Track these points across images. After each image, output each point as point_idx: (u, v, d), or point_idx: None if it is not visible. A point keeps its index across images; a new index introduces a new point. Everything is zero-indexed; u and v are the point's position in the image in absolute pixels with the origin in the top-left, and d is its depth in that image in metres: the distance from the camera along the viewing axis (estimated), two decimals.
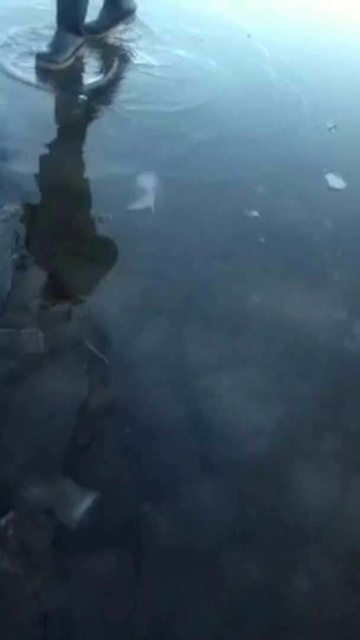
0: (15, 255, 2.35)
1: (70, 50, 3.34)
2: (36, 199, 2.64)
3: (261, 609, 1.61)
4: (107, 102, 3.26)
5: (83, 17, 3.33)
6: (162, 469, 1.86)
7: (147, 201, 2.71)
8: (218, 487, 1.85)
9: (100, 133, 3.06)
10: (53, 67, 3.31)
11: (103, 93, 3.31)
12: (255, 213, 2.75)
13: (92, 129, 3.10)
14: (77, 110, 3.17)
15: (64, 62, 3.33)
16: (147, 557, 1.65)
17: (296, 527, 1.79)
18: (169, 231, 2.63)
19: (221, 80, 3.58)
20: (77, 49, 3.38)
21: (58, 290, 2.33)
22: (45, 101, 3.22)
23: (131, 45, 3.67)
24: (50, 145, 2.96)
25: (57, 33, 3.33)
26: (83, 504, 1.70)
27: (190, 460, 1.90)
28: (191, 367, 2.17)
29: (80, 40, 3.37)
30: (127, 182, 2.79)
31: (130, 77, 3.48)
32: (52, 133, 3.05)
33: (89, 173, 2.83)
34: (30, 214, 2.56)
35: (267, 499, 1.84)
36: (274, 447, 1.99)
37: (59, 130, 3.10)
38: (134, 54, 3.63)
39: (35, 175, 2.75)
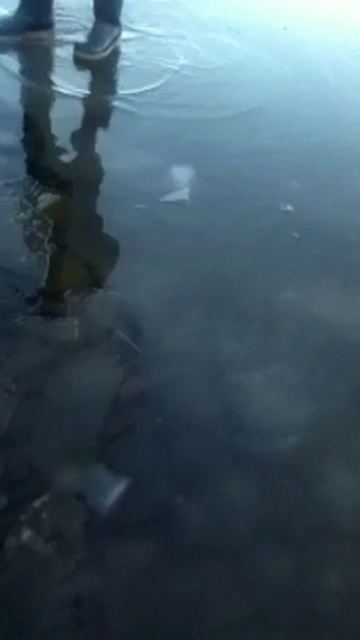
0: (52, 245, 2.37)
1: (108, 40, 3.34)
2: (73, 190, 2.65)
3: (291, 606, 1.59)
4: (148, 96, 3.27)
5: (120, 7, 3.33)
6: (193, 461, 1.86)
7: (182, 194, 2.71)
8: (249, 482, 1.84)
9: (136, 125, 3.07)
10: (91, 57, 3.32)
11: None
12: (289, 207, 2.73)
13: (129, 121, 3.11)
14: (114, 102, 3.19)
15: (102, 52, 3.33)
16: (177, 548, 1.65)
17: (327, 525, 1.77)
18: (203, 224, 2.63)
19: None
20: (115, 39, 3.38)
21: (93, 280, 2.34)
22: (87, 100, 3.23)
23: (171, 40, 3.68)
24: (88, 139, 2.97)
25: (95, 24, 3.34)
26: (114, 491, 1.71)
27: (221, 454, 1.89)
28: (223, 361, 2.16)
29: (117, 30, 3.38)
30: (162, 174, 2.79)
31: (175, 74, 3.48)
32: (91, 127, 3.06)
33: (126, 165, 2.84)
34: (67, 204, 2.57)
35: (298, 495, 1.83)
36: (306, 444, 1.97)
37: (98, 125, 3.11)
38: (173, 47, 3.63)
39: (73, 166, 2.77)
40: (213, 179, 2.81)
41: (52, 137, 2.93)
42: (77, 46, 3.33)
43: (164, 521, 1.69)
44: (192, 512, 1.73)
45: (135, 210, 2.58)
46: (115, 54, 3.46)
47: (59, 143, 2.90)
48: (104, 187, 2.70)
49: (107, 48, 3.36)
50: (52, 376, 1.98)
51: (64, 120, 3.03)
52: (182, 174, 2.78)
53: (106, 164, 2.83)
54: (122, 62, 3.45)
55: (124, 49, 3.50)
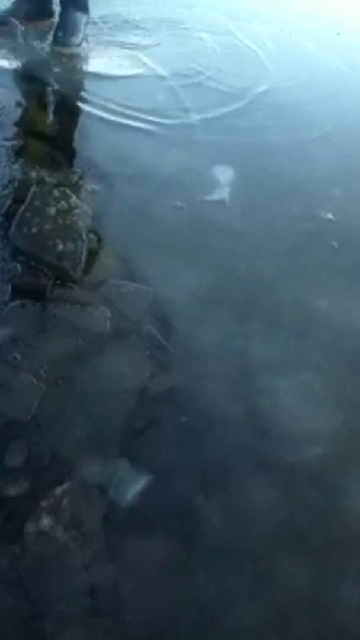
0: (90, 236, 2.37)
1: (82, 30, 3.24)
2: (114, 182, 2.65)
3: (307, 614, 1.57)
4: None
5: None
6: (217, 462, 1.84)
7: (222, 193, 2.69)
8: (271, 488, 1.82)
9: (180, 122, 3.06)
10: (69, 50, 3.22)
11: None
12: (330, 215, 2.70)
13: (172, 116, 3.10)
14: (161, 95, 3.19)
15: (80, 44, 3.24)
16: (195, 547, 1.63)
17: (348, 536, 1.75)
18: (240, 225, 2.61)
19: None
20: (86, 27, 3.28)
21: (127, 273, 2.34)
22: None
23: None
24: (130, 135, 2.97)
25: (65, 13, 3.22)
26: (136, 485, 1.70)
27: (245, 457, 1.87)
28: (252, 365, 2.14)
29: (87, 17, 3.27)
30: (203, 173, 2.78)
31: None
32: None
33: (167, 162, 2.84)
34: (107, 197, 2.58)
35: (321, 505, 1.80)
36: (330, 454, 1.94)
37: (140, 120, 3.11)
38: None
39: (116, 159, 2.77)
40: (255, 181, 2.80)
41: (95, 130, 2.93)
42: (55, 39, 3.22)
43: (183, 519, 1.68)
44: (213, 512, 1.71)
45: (175, 208, 2.58)
46: None
47: (101, 135, 2.90)
48: (145, 182, 2.70)
49: (83, 39, 3.25)
50: (81, 365, 1.98)
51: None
52: (223, 174, 2.77)
53: (149, 160, 2.82)
54: None
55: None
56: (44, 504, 1.59)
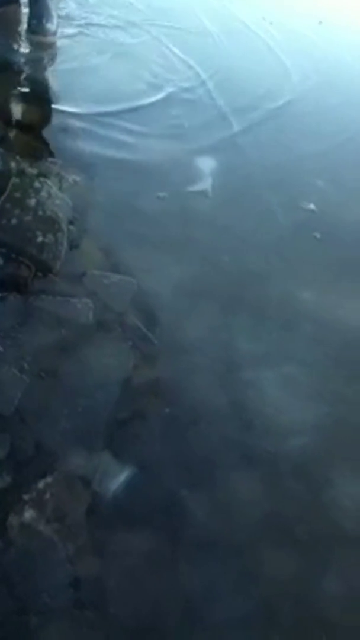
0: (72, 227, 2.34)
1: (55, 15, 3.15)
2: (95, 173, 2.62)
3: (292, 606, 1.57)
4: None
5: None
6: (201, 455, 1.83)
7: (204, 184, 2.68)
8: (256, 480, 1.81)
9: (163, 112, 3.04)
10: (45, 39, 3.14)
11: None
12: (312, 206, 2.70)
13: (156, 107, 3.08)
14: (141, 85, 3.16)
15: (55, 31, 3.16)
16: (180, 540, 1.62)
17: (333, 528, 1.75)
18: (223, 217, 2.60)
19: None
20: (56, 10, 3.19)
21: (110, 265, 2.31)
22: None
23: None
24: (113, 123, 2.94)
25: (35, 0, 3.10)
26: (120, 478, 1.68)
27: (230, 450, 1.87)
28: (237, 358, 2.13)
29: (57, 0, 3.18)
30: (186, 163, 2.77)
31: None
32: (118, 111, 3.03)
33: (149, 152, 2.81)
34: (88, 188, 2.55)
35: (305, 497, 1.80)
36: (315, 447, 1.94)
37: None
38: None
39: (97, 150, 2.74)
40: (237, 171, 2.79)
41: (75, 120, 2.89)
42: (30, 28, 3.13)
43: (168, 512, 1.67)
44: (198, 505, 1.70)
45: (157, 199, 2.55)
46: None
47: (82, 126, 2.86)
48: (127, 172, 2.67)
49: (57, 25, 3.17)
50: (65, 357, 1.96)
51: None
52: (205, 165, 2.75)
53: (132, 150, 2.79)
54: None
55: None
56: (27, 497, 1.57)
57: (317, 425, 2.00)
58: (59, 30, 3.24)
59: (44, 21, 3.12)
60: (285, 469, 1.87)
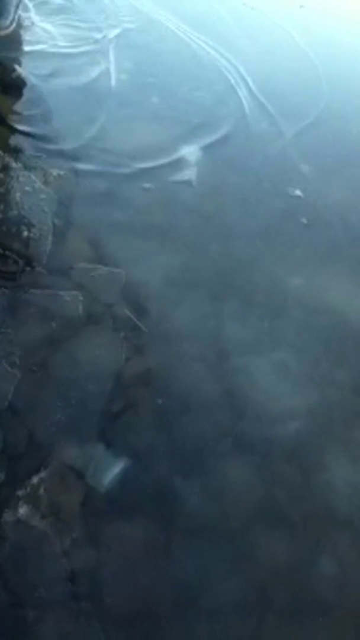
0: (56, 220, 2.33)
1: (12, 10, 3.11)
2: (80, 166, 2.61)
3: (286, 588, 1.59)
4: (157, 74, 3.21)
5: None
6: (194, 443, 1.84)
7: (189, 174, 2.67)
8: (248, 466, 1.83)
9: (145, 101, 3.02)
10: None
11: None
12: (298, 192, 2.70)
13: (138, 97, 3.05)
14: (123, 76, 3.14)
15: (10, 25, 3.11)
16: (175, 528, 1.64)
17: (325, 512, 1.77)
18: (209, 205, 2.59)
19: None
20: (18, 6, 3.15)
21: (97, 257, 2.31)
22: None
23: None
24: (95, 114, 2.91)
25: None
26: (113, 470, 1.69)
27: (222, 437, 1.88)
28: (227, 345, 2.14)
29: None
30: (170, 153, 2.75)
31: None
32: (97, 102, 3.00)
33: (132, 141, 2.79)
34: (73, 180, 2.53)
35: (297, 481, 1.82)
36: (307, 431, 1.96)
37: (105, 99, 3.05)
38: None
39: (80, 142, 2.72)
40: (222, 159, 2.78)
41: (58, 111, 2.86)
42: None
43: (162, 501, 1.68)
44: (191, 493, 1.72)
45: (143, 189, 2.55)
46: None
47: (65, 117, 2.83)
48: (112, 163, 2.65)
49: (14, 20, 3.12)
50: (55, 350, 1.96)
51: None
52: (190, 154, 2.74)
53: (115, 139, 2.77)
54: None
55: None
56: (21, 493, 1.57)
57: (309, 410, 2.02)
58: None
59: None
60: (277, 454, 1.89)
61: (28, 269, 2.17)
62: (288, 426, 1.97)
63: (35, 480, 1.61)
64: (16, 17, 3.14)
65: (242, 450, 1.87)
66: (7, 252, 2.20)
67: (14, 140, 2.63)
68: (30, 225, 2.28)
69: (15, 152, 2.56)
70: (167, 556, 1.58)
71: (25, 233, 2.26)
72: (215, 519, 1.69)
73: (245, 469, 1.83)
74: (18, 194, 2.36)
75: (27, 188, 2.41)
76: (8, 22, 3.11)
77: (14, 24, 3.14)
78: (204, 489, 1.74)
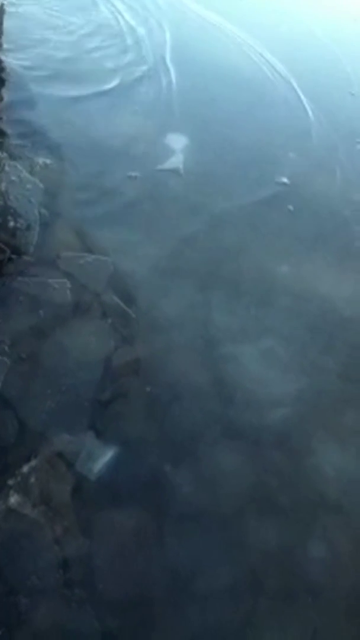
0: (43, 210, 2.32)
1: None
2: (66, 154, 2.59)
3: (277, 573, 1.60)
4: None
5: None
6: (184, 431, 1.85)
7: (176, 162, 2.66)
8: (238, 453, 1.83)
9: (132, 90, 3.00)
10: None
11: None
12: (285, 179, 2.70)
13: (124, 86, 3.03)
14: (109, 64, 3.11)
15: None
16: (166, 515, 1.64)
17: (315, 497, 1.78)
18: (197, 194, 2.59)
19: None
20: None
21: (85, 246, 2.30)
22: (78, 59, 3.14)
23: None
24: (81, 102, 2.89)
25: None
26: (103, 459, 1.69)
27: (212, 424, 1.89)
28: (215, 333, 2.14)
29: None
30: (156, 141, 2.74)
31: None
32: (83, 89, 2.98)
33: (119, 130, 2.77)
34: (59, 169, 2.52)
35: (287, 467, 1.83)
36: (296, 417, 1.97)
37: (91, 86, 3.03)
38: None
39: (66, 130, 2.70)
40: (209, 147, 2.77)
41: (41, 99, 2.83)
42: None
43: (152, 488, 1.69)
44: (181, 480, 1.72)
45: (129, 178, 2.53)
46: None
47: (48, 105, 2.81)
48: (97, 152, 2.63)
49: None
50: (44, 339, 1.96)
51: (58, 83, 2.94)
52: (176, 142, 2.73)
53: (102, 129, 2.75)
54: None
55: None
56: (11, 482, 1.57)
57: (297, 396, 2.03)
58: None
59: None
60: (267, 440, 1.90)
61: (15, 257, 2.16)
62: (278, 412, 1.98)
63: (26, 469, 1.61)
64: None
65: (232, 437, 1.88)
66: None
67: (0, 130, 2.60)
68: (16, 215, 2.26)
69: (0, 141, 2.53)
70: (158, 543, 1.58)
71: (12, 223, 2.24)
72: (206, 506, 1.70)
73: (235, 455, 1.84)
74: (4, 184, 2.34)
75: (13, 178, 2.39)
76: None
77: None
78: (195, 475, 1.75)
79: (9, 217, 2.25)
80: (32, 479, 1.59)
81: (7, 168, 2.41)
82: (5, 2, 3.10)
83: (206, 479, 1.76)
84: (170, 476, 1.73)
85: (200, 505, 1.70)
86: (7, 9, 3.12)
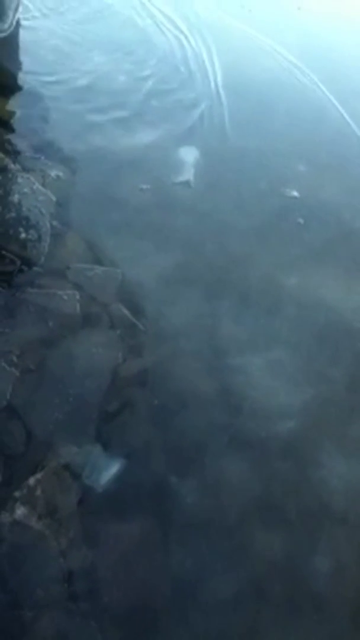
0: (54, 222, 2.35)
1: (11, 13, 3.09)
2: (77, 166, 2.62)
3: (281, 582, 1.62)
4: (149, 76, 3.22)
5: None
6: (190, 441, 1.87)
7: (187, 174, 2.68)
8: (245, 463, 1.85)
9: (143, 103, 3.02)
10: None
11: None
12: (295, 192, 2.71)
13: (135, 98, 3.06)
14: (121, 77, 3.14)
15: (9, 28, 3.10)
16: (172, 526, 1.66)
17: (320, 508, 1.79)
18: (207, 205, 2.61)
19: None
20: (17, 10, 3.13)
21: (94, 257, 2.33)
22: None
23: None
24: (94, 114, 2.92)
25: None
26: (110, 470, 1.72)
27: (218, 434, 1.90)
28: (223, 343, 2.16)
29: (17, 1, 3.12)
30: (168, 153, 2.76)
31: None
32: (97, 101, 3.01)
33: (130, 142, 2.80)
34: (71, 181, 2.55)
35: (293, 477, 1.85)
36: (302, 428, 1.98)
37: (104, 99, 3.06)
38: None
39: (78, 142, 2.73)
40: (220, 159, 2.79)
41: (54, 113, 2.86)
42: None
43: (158, 499, 1.71)
44: (187, 490, 1.74)
45: (140, 190, 2.56)
46: None
47: (61, 118, 2.84)
48: (108, 164, 2.66)
49: (12, 23, 3.11)
50: (53, 349, 1.99)
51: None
52: (188, 154, 2.75)
53: (113, 140, 2.78)
54: None
55: None
56: (18, 493, 1.60)
57: (304, 406, 2.04)
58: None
59: None
60: (273, 450, 1.92)
61: (26, 269, 2.19)
62: (284, 423, 1.99)
63: (32, 480, 1.64)
64: (14, 19, 3.13)
65: (238, 447, 1.90)
66: (5, 253, 2.22)
67: (12, 141, 2.64)
68: (28, 227, 2.30)
69: (14, 153, 2.57)
70: (164, 553, 1.61)
71: (23, 234, 2.28)
72: (212, 516, 1.72)
73: (242, 465, 1.85)
74: (17, 196, 2.38)
75: (25, 190, 2.42)
76: (6, 25, 3.10)
77: (12, 27, 3.13)
78: (201, 486, 1.77)
79: (21, 229, 2.29)
80: (38, 491, 1.62)
81: (20, 180, 2.45)
82: (20, 16, 3.16)
83: (212, 489, 1.78)
84: (175, 486, 1.75)
85: (205, 515, 1.72)
86: (23, 22, 3.18)
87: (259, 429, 1.95)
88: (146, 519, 1.66)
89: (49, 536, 1.54)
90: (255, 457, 1.89)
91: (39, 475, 1.65)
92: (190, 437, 1.88)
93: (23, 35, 3.16)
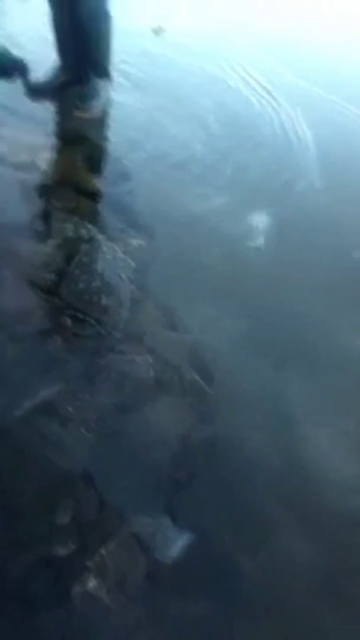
0: (133, 287, 2.46)
1: (103, 92, 3.25)
2: (156, 235, 2.73)
3: None
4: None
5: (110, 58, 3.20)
6: (259, 516, 1.88)
7: (258, 239, 2.74)
8: (315, 541, 1.84)
9: (212, 168, 3.12)
10: (84, 115, 3.23)
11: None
12: None
13: (207, 161, 3.16)
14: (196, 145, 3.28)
15: (99, 108, 3.25)
16: (237, 608, 1.67)
17: None
18: (277, 271, 2.65)
19: None
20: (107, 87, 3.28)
21: (169, 323, 2.41)
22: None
23: None
24: (166, 178, 3.05)
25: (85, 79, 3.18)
26: (179, 543, 1.75)
27: (288, 510, 1.90)
28: (294, 413, 2.17)
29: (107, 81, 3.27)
30: (238, 217, 2.83)
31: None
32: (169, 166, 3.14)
33: (201, 207, 2.89)
34: (149, 249, 2.65)
35: None
36: None
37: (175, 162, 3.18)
38: None
39: (155, 209, 2.85)
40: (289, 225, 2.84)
41: (139, 185, 2.99)
42: (76, 103, 3.23)
43: (226, 579, 1.72)
44: (256, 570, 1.74)
45: (213, 255, 2.64)
46: None
47: (145, 190, 2.97)
48: (186, 231, 2.77)
49: (103, 103, 3.28)
50: (127, 416, 2.06)
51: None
52: (258, 219, 2.82)
53: (186, 207, 2.89)
54: None
55: None
56: (90, 563, 1.66)
57: None
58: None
59: (87, 98, 3.25)
60: (344, 528, 1.89)
61: (104, 334, 2.30)
62: (355, 498, 1.96)
63: (103, 550, 1.70)
64: (105, 98, 3.31)
65: (308, 525, 1.89)
66: (87, 318, 2.34)
67: (100, 213, 2.80)
68: (108, 294, 2.42)
69: (101, 224, 2.72)
70: (229, 636, 1.61)
71: (104, 301, 2.40)
72: (280, 599, 1.71)
73: (312, 544, 1.84)
74: (100, 265, 2.51)
75: (108, 257, 2.56)
76: (99, 103, 3.28)
77: (104, 105, 3.31)
78: (270, 566, 1.77)
79: (102, 296, 2.41)
80: (109, 562, 1.68)
81: (104, 248, 2.59)
82: (112, 92, 3.35)
83: (281, 569, 1.78)
84: (244, 565, 1.76)
85: (274, 599, 1.71)
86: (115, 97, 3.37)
87: (330, 506, 1.94)
88: (212, 600, 1.67)
89: (116, 611, 1.59)
90: (326, 535, 1.87)
91: (110, 546, 1.70)
92: (259, 512, 1.89)
93: (114, 110, 3.34)
